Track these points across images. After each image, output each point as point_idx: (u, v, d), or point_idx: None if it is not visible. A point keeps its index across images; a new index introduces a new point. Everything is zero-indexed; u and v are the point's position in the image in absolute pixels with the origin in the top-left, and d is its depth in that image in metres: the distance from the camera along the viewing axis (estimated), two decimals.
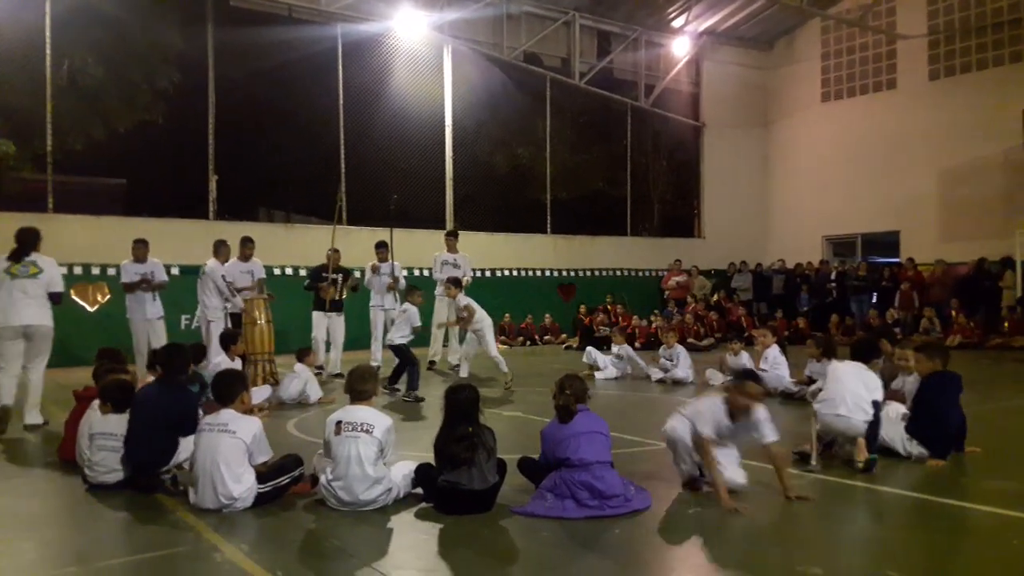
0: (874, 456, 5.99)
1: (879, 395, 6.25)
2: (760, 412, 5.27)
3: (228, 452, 5.09)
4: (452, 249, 13.63)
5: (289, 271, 16.05)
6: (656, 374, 11.89)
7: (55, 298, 8.66)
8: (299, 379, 9.91)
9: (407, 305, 10.61)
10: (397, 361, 10.37)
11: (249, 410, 5.91)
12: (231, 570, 4.10)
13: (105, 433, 5.80)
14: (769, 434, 5.24)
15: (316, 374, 11.94)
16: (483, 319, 11.34)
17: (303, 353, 10.28)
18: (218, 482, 5.03)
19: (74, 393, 6.88)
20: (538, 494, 5.06)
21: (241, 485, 5.08)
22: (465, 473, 4.96)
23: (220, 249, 11.65)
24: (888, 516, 5.12)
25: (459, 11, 19.02)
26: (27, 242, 8.60)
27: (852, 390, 6.18)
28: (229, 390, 5.47)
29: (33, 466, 6.56)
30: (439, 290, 13.17)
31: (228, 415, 5.29)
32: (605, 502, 4.87)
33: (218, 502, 5.03)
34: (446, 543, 4.56)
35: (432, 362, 13.29)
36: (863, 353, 6.64)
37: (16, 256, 8.50)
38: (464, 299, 11.37)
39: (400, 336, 10.33)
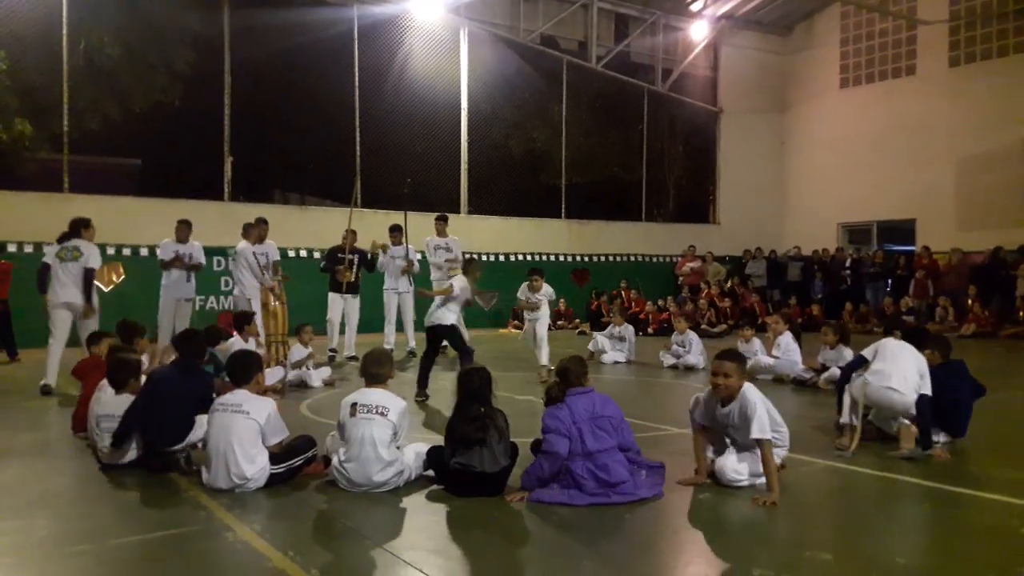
0: (918, 450, 5.97)
1: (928, 388, 6.10)
2: (751, 397, 5.07)
3: (242, 432, 5.12)
4: (442, 233, 13.54)
5: (304, 253, 16.08)
6: (668, 360, 11.88)
7: (87, 273, 9.57)
8: (299, 350, 10.02)
9: (457, 278, 9.26)
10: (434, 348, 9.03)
11: (263, 391, 5.93)
12: (243, 549, 4.13)
13: (106, 415, 5.85)
14: (755, 430, 4.95)
15: (330, 357, 12.03)
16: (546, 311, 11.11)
17: (298, 329, 10.36)
18: (231, 462, 5.06)
19: (73, 372, 7.14)
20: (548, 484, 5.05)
21: (254, 466, 5.10)
22: (477, 455, 4.97)
23: (250, 230, 11.69)
24: (898, 503, 5.10)
25: None
26: (73, 229, 9.82)
27: (904, 367, 6.12)
28: (245, 371, 5.48)
29: (47, 444, 6.60)
30: (435, 275, 13.20)
31: (242, 396, 5.30)
32: (611, 490, 4.85)
33: (231, 482, 5.07)
34: (457, 525, 4.58)
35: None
36: (915, 341, 6.53)
37: (61, 240, 9.74)
38: (545, 292, 11.00)
39: (452, 314, 8.92)
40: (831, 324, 10.31)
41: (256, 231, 11.73)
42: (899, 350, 6.29)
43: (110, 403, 5.90)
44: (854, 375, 6.39)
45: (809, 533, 4.48)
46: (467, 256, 11.88)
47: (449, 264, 13.11)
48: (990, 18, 19.60)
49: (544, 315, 10.96)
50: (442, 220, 13.69)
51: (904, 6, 21.01)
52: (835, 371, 9.39)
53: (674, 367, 11.66)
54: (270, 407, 5.32)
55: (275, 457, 5.24)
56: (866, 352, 6.43)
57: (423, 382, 8.73)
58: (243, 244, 11.53)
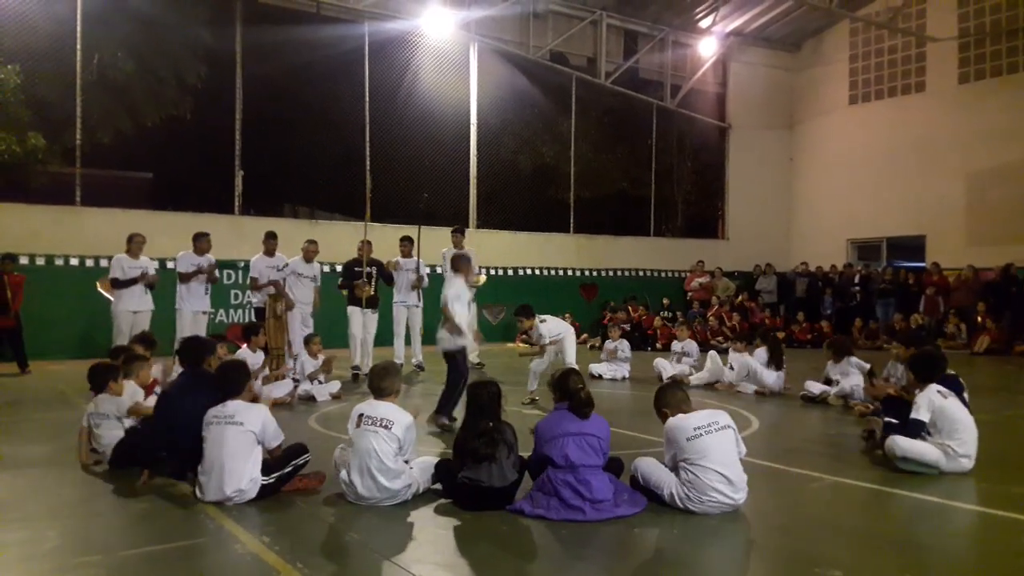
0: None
1: None
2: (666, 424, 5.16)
3: (234, 445, 5.12)
4: (459, 245, 13.14)
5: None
6: (668, 371, 11.82)
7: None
8: (309, 362, 10.08)
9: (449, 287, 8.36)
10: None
11: (255, 399, 5.97)
12: (252, 561, 4.14)
13: (92, 414, 6.33)
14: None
15: (353, 375, 11.85)
16: (567, 335, 9.71)
17: (307, 340, 10.44)
18: (223, 476, 5.07)
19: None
20: (529, 493, 5.04)
21: (243, 479, 5.09)
22: (485, 470, 4.97)
23: (304, 248, 11.93)
24: (907, 520, 5.08)
25: (486, 9, 19.04)
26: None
27: (971, 426, 6.02)
28: (234, 383, 5.49)
29: (57, 455, 6.61)
30: None
31: (234, 406, 5.31)
32: (590, 504, 4.80)
33: (221, 494, 5.07)
34: (465, 538, 4.58)
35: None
36: (936, 372, 6.31)
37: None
38: (541, 331, 9.51)
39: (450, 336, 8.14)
40: (834, 340, 10.51)
41: (313, 248, 11.84)
42: (962, 411, 6.05)
43: (98, 402, 6.38)
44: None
45: (818, 549, 4.46)
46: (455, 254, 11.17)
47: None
48: (999, 35, 19.60)
49: (568, 346, 9.79)
50: (459, 232, 13.51)
51: (913, 23, 21.02)
52: (844, 387, 9.41)
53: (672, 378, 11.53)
54: (263, 414, 5.33)
55: (265, 468, 5.23)
56: (923, 415, 6.00)
57: (446, 406, 7.93)
58: (295, 260, 11.66)
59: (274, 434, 5.34)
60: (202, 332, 11.12)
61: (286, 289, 11.43)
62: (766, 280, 21.68)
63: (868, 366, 9.41)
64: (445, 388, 8.07)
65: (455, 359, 8.11)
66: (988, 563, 4.32)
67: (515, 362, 13.66)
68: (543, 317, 9.62)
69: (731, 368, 10.90)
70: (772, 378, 10.44)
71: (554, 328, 9.59)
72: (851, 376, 9.43)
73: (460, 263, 8.56)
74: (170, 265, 12.01)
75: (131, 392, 6.60)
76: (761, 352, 10.79)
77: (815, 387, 9.80)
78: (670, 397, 5.29)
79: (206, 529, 4.69)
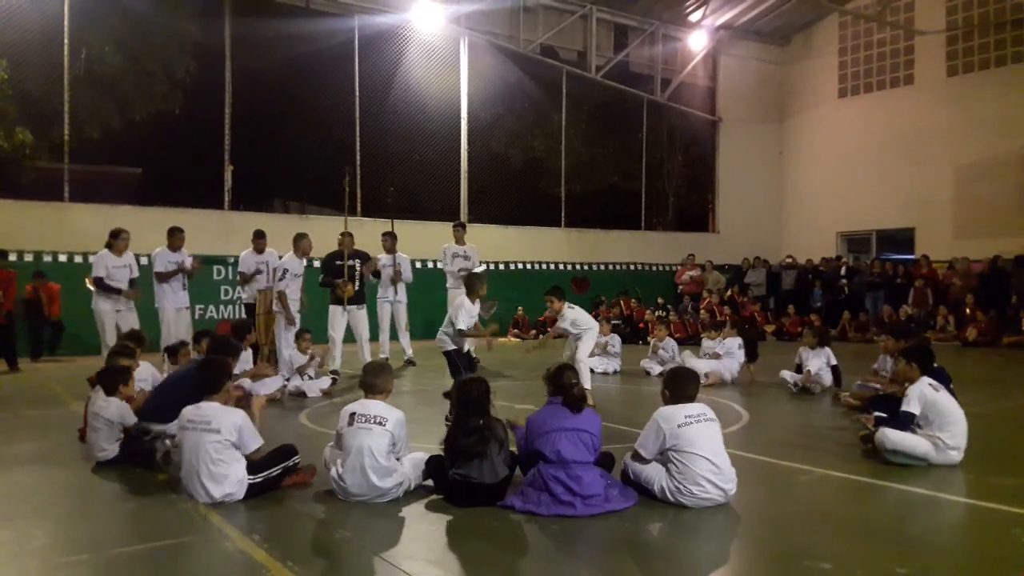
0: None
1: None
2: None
3: (211, 451, 5.06)
4: (460, 241, 13.31)
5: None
6: (655, 369, 11.90)
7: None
8: (298, 357, 10.03)
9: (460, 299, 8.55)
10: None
11: (246, 396, 5.96)
12: (242, 559, 4.12)
13: (94, 415, 6.15)
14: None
15: (333, 380, 11.59)
16: (592, 330, 9.10)
17: (299, 334, 10.36)
18: (204, 482, 5.04)
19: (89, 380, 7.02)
20: (520, 488, 5.03)
21: (226, 484, 5.05)
22: (476, 466, 4.96)
23: (299, 243, 11.36)
24: (897, 512, 5.09)
25: (476, 3, 19.03)
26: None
27: (962, 420, 6.02)
28: (215, 380, 5.39)
29: (46, 453, 6.59)
30: (450, 283, 13.09)
31: (209, 410, 5.20)
32: (580, 499, 4.79)
33: (210, 499, 5.03)
34: (456, 535, 4.57)
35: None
36: (929, 361, 6.38)
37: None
38: (567, 316, 8.98)
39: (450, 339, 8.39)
40: (812, 328, 10.78)
41: (305, 243, 11.48)
42: (953, 404, 6.06)
43: (100, 406, 6.16)
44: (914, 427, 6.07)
45: (807, 542, 4.47)
46: (469, 271, 10.98)
47: (464, 272, 12.93)
48: (987, 28, 19.66)
49: (588, 337, 9.19)
50: (460, 227, 13.49)
51: (902, 16, 21.08)
52: (812, 368, 9.71)
53: (661, 375, 11.55)
54: (238, 419, 5.21)
55: (252, 467, 5.18)
56: (914, 408, 6.00)
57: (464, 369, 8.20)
58: (288, 256, 11.26)
59: (250, 440, 5.22)
60: (185, 328, 11.04)
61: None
62: (755, 273, 21.72)
63: (835, 363, 9.77)
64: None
65: (453, 356, 8.36)
66: (976, 554, 4.33)
67: (507, 357, 13.67)
68: (571, 305, 9.15)
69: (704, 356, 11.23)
70: (727, 364, 10.88)
71: (581, 319, 9.05)
72: (817, 361, 9.72)
73: (475, 283, 8.52)
74: (144, 261, 11.81)
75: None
76: (732, 341, 11.12)
77: (788, 375, 10.03)
78: (684, 387, 5.23)
79: (195, 527, 4.67)
